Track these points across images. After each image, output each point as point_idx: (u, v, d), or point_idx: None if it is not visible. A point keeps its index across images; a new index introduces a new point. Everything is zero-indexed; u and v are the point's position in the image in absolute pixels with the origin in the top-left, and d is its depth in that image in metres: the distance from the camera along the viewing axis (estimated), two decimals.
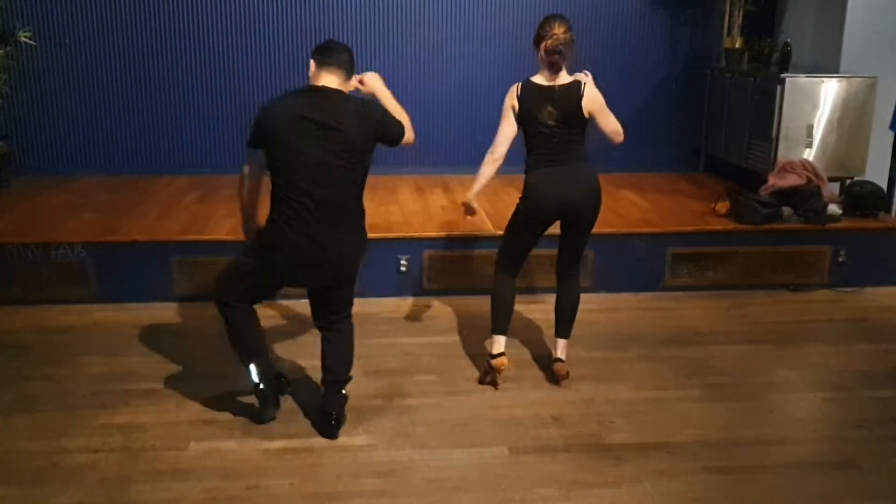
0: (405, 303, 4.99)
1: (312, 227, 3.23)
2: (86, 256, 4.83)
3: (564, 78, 3.64)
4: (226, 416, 3.59)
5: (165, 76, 6.51)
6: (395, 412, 3.64)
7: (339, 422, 3.45)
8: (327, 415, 3.44)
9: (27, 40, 6.02)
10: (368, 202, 5.95)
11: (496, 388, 3.86)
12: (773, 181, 5.46)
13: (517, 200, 3.81)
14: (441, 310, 4.89)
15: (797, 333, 4.65)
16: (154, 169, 6.59)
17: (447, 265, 5.07)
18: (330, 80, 3.30)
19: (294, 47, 6.54)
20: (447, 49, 6.68)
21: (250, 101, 6.58)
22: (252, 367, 3.46)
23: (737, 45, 6.42)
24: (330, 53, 3.34)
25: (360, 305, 4.87)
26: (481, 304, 4.92)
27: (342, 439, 3.41)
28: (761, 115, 5.80)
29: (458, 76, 6.69)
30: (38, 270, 4.81)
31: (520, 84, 3.71)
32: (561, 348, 3.95)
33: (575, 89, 3.62)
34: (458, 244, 5.06)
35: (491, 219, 5.35)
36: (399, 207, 5.69)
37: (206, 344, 4.33)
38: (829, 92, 5.57)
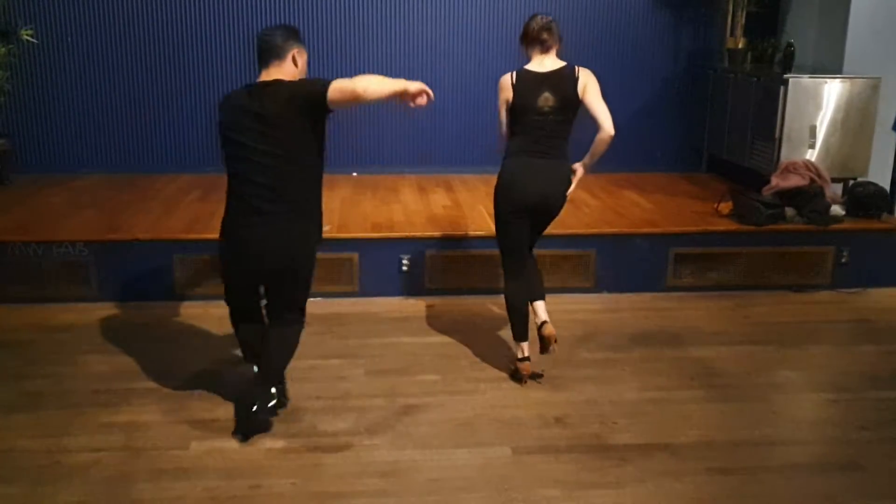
0: (407, 302, 4.98)
1: (249, 217, 3.25)
2: (88, 255, 4.82)
3: (557, 62, 3.72)
4: (228, 415, 3.56)
5: (168, 74, 6.51)
6: (397, 412, 3.63)
7: (255, 418, 3.33)
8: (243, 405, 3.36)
9: (29, 38, 6.01)
10: (370, 201, 5.99)
11: (522, 383, 3.90)
12: (776, 182, 5.44)
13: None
14: (443, 309, 4.88)
15: (800, 334, 4.64)
16: (156, 167, 6.58)
17: (449, 265, 5.06)
18: (268, 74, 3.29)
19: None
20: (448, 49, 6.67)
21: None
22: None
23: (740, 46, 6.41)
24: (260, 56, 3.32)
25: (362, 305, 4.90)
26: (483, 303, 4.93)
27: (344, 438, 3.40)
28: (764, 115, 5.79)
29: (460, 77, 6.67)
30: (40, 268, 4.81)
31: (514, 73, 3.75)
32: (542, 310, 3.92)
33: (569, 73, 3.69)
34: (460, 244, 5.05)
35: (493, 218, 5.33)
36: (401, 207, 5.68)
37: (209, 343, 4.33)
38: (832, 92, 5.56)
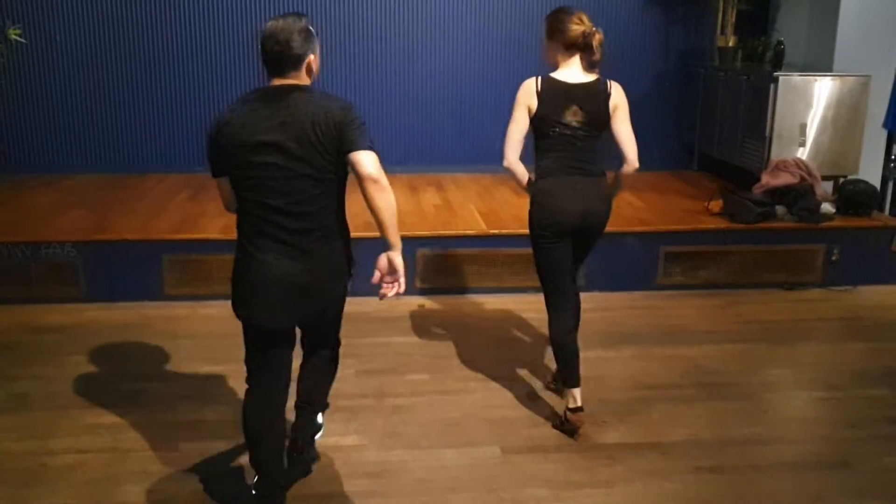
0: (397, 302, 4.95)
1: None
2: (76, 255, 4.79)
3: (589, 74, 3.35)
4: (215, 416, 3.56)
5: (156, 74, 6.47)
6: (386, 412, 3.62)
7: (306, 453, 3.06)
8: (292, 441, 3.05)
9: (17, 38, 5.97)
10: (360, 200, 5.96)
11: (574, 438, 3.43)
12: (767, 180, 5.45)
13: (526, 207, 3.46)
14: (433, 309, 4.87)
15: (790, 332, 4.64)
16: (145, 167, 6.55)
17: (439, 264, 5.04)
18: (282, 81, 2.78)
19: None
20: (439, 48, 6.65)
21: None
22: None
23: (730, 44, 6.42)
24: (268, 62, 2.79)
25: (352, 304, 4.84)
26: (474, 303, 4.93)
27: (333, 439, 3.38)
28: (755, 113, 5.79)
29: (451, 75, 6.66)
30: (28, 269, 4.78)
31: (539, 79, 3.32)
32: (577, 396, 3.44)
33: (602, 88, 3.34)
34: (451, 243, 5.04)
35: (484, 218, 5.33)
36: None
37: (197, 343, 4.31)
38: (822, 90, 5.56)
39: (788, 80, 5.55)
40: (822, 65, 5.88)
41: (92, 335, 4.41)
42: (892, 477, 3.19)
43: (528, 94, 3.31)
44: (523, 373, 4.01)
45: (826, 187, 5.66)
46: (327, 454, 3.27)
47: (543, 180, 3.39)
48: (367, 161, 2.68)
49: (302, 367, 3.09)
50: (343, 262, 2.94)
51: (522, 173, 3.44)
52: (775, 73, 5.58)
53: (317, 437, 3.16)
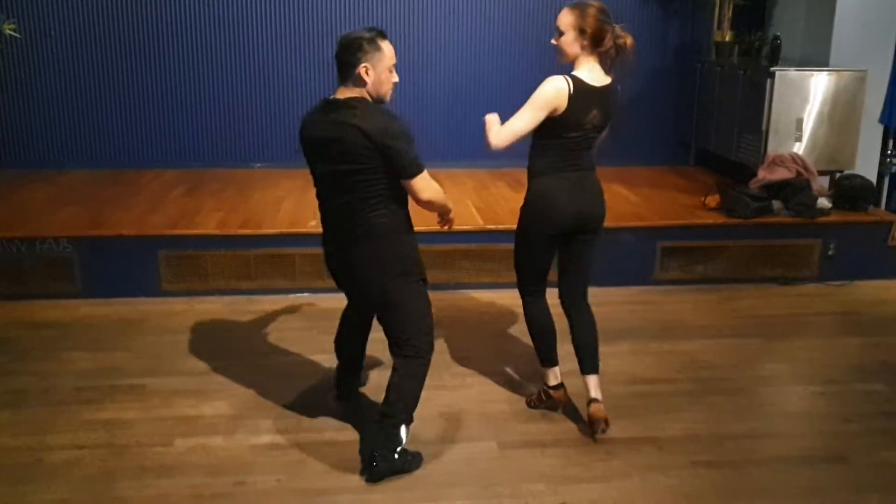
0: None
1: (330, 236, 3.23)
2: (71, 251, 4.78)
3: (606, 76, 3.25)
4: (212, 411, 3.55)
5: (152, 69, 6.45)
6: None
7: (375, 463, 3.04)
8: (366, 451, 3.16)
9: (12, 32, 5.95)
10: None
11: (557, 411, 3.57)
12: (763, 175, 5.45)
13: (519, 209, 3.41)
14: None
15: (787, 327, 4.65)
16: (141, 162, 6.53)
17: (435, 260, 5.03)
18: (342, 92, 3.08)
19: (282, 41, 6.49)
20: (435, 43, 6.63)
21: (238, 94, 6.56)
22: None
23: (727, 39, 6.41)
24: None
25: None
26: (470, 298, 4.92)
27: (330, 434, 3.38)
28: (751, 108, 5.78)
29: (447, 71, 6.65)
30: (23, 265, 4.76)
31: (569, 80, 3.15)
32: (594, 385, 3.43)
33: (616, 91, 3.28)
34: (443, 239, 5.02)
35: (480, 213, 5.32)
36: None
37: (193, 339, 4.30)
38: (818, 85, 5.56)
39: (785, 75, 5.55)
40: (819, 59, 5.88)
41: (88, 331, 4.41)
42: (888, 471, 3.20)
43: (559, 97, 3.12)
44: (520, 368, 4.01)
45: (822, 182, 5.66)
46: (324, 449, 3.27)
47: (539, 178, 3.30)
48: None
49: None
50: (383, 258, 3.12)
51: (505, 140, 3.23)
52: (772, 68, 5.58)
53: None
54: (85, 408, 3.57)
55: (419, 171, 3.03)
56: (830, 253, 5.29)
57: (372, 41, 3.04)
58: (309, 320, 4.56)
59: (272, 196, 5.72)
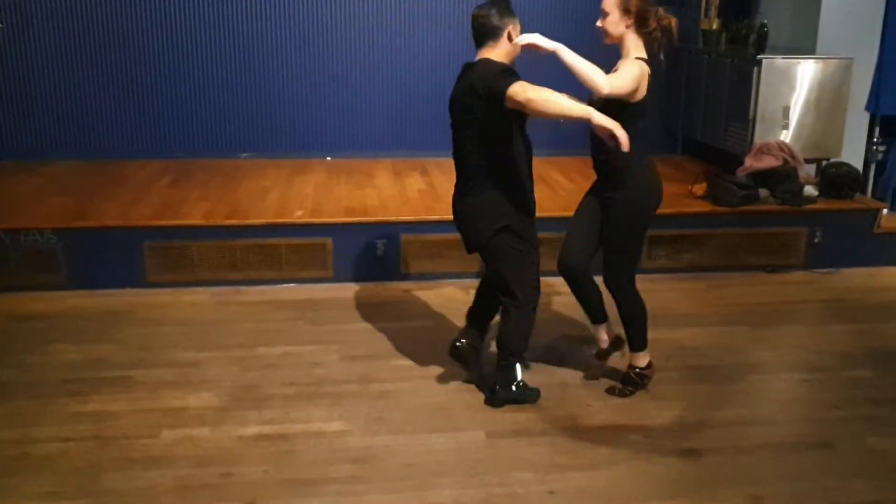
0: (382, 287, 4.95)
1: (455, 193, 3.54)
2: (56, 242, 4.74)
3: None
4: (199, 403, 3.54)
5: (137, 59, 6.39)
6: (371, 397, 3.61)
7: (493, 393, 3.53)
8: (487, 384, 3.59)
9: None
10: (344, 185, 5.95)
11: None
12: (750, 163, 5.46)
13: (623, 202, 3.44)
14: (418, 294, 4.85)
15: (774, 315, 4.66)
16: (126, 153, 6.47)
17: (424, 250, 5.03)
18: (480, 53, 3.35)
19: (266, 31, 6.44)
20: (421, 31, 6.60)
21: (223, 83, 6.50)
22: None
23: (714, 27, 6.40)
24: (474, 37, 3.36)
25: (337, 290, 4.87)
26: (458, 288, 4.92)
27: (317, 425, 3.37)
28: (738, 96, 5.79)
29: (435, 59, 6.61)
30: (7, 257, 4.72)
31: (645, 62, 3.26)
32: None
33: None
34: (436, 228, 5.01)
35: None
36: (376, 191, 5.63)
37: (180, 330, 4.28)
38: (805, 73, 5.57)
39: (772, 63, 5.55)
40: (806, 47, 5.88)
41: (74, 323, 4.38)
42: (874, 457, 3.22)
43: (645, 77, 3.25)
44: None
45: (809, 170, 5.68)
46: (312, 440, 3.27)
47: (641, 164, 3.42)
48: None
49: None
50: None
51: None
52: (759, 56, 5.58)
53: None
54: (71, 400, 3.55)
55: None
56: (817, 240, 5.31)
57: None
58: (296, 311, 4.55)
59: (258, 186, 5.69)
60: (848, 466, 3.15)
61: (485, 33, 3.28)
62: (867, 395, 3.71)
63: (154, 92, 6.46)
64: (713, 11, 6.42)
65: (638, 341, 3.64)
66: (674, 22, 3.29)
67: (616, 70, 3.25)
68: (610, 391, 3.66)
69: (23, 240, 4.71)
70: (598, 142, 3.31)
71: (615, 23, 3.28)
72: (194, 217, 4.93)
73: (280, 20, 6.44)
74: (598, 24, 3.33)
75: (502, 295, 3.49)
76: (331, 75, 6.59)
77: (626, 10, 3.24)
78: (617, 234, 3.48)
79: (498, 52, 3.28)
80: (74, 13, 6.27)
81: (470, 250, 3.55)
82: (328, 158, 6.63)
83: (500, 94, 3.09)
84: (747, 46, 6.17)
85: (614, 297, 3.60)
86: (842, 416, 3.53)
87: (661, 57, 3.35)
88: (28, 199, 5.29)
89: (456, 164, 3.45)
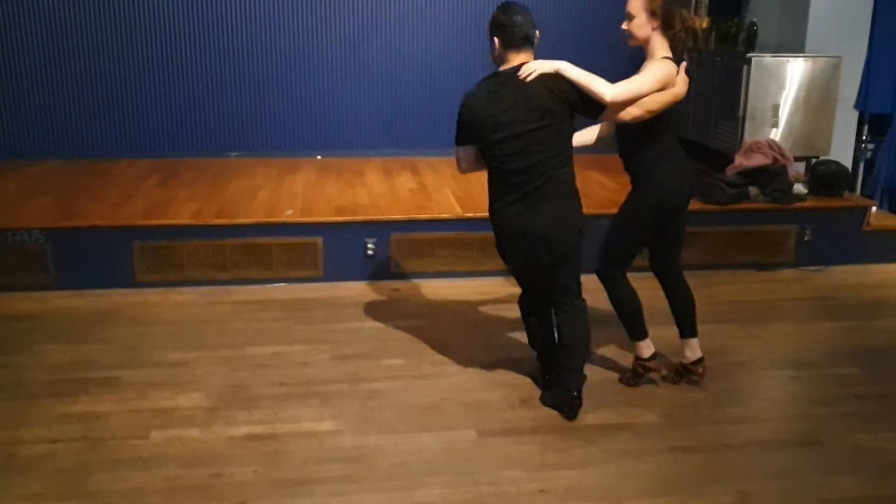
0: (372, 286, 4.94)
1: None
2: (44, 242, 4.71)
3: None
4: (188, 403, 3.52)
5: (124, 57, 6.36)
6: (361, 397, 3.60)
7: (578, 401, 3.43)
8: (567, 393, 3.44)
9: None
10: (334, 184, 5.94)
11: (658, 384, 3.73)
12: (740, 161, 5.47)
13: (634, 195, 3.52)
14: (408, 293, 4.85)
15: (763, 312, 4.68)
16: (114, 152, 6.44)
17: (415, 248, 5.02)
18: (518, 59, 3.27)
19: (257, 27, 6.42)
20: (414, 28, 6.59)
21: (211, 82, 6.48)
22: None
23: (704, 25, 6.40)
24: (515, 40, 3.25)
25: (327, 290, 4.86)
26: (449, 287, 4.91)
27: (308, 425, 3.36)
28: (728, 94, 5.80)
29: (426, 57, 6.61)
30: None
31: (673, 62, 3.32)
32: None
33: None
34: (426, 227, 5.01)
35: (459, 201, 5.31)
36: (366, 190, 5.62)
37: (168, 331, 4.26)
38: (794, 71, 5.59)
39: (761, 61, 5.57)
40: (795, 46, 5.90)
41: (61, 323, 4.35)
42: (861, 453, 3.23)
43: (672, 75, 3.28)
44: (498, 356, 4.00)
45: (798, 168, 5.70)
46: (302, 440, 3.26)
47: (670, 158, 3.49)
48: None
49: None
50: None
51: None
52: (748, 55, 5.60)
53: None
54: (58, 401, 3.53)
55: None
56: (806, 238, 5.33)
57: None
58: (286, 310, 4.54)
59: (248, 185, 5.67)
60: (835, 463, 3.17)
61: (528, 38, 3.22)
62: (855, 391, 3.73)
63: (142, 91, 6.43)
64: (703, 10, 6.42)
65: (628, 332, 3.71)
66: (697, 23, 3.34)
67: (641, 72, 3.30)
68: (621, 379, 3.78)
69: (10, 240, 4.68)
70: (622, 142, 3.47)
71: (642, 25, 3.30)
72: (183, 216, 4.91)
73: (270, 19, 6.43)
74: (624, 26, 3.36)
75: (561, 297, 3.44)
76: (321, 74, 6.57)
77: (652, 13, 3.26)
78: (619, 220, 3.58)
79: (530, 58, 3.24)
80: (60, 12, 6.23)
81: (546, 263, 3.37)
82: (318, 157, 6.62)
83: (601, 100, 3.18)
84: (737, 45, 6.19)
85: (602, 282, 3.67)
86: (830, 412, 3.54)
87: (685, 58, 3.36)
88: (15, 199, 5.26)
89: (513, 174, 3.25)
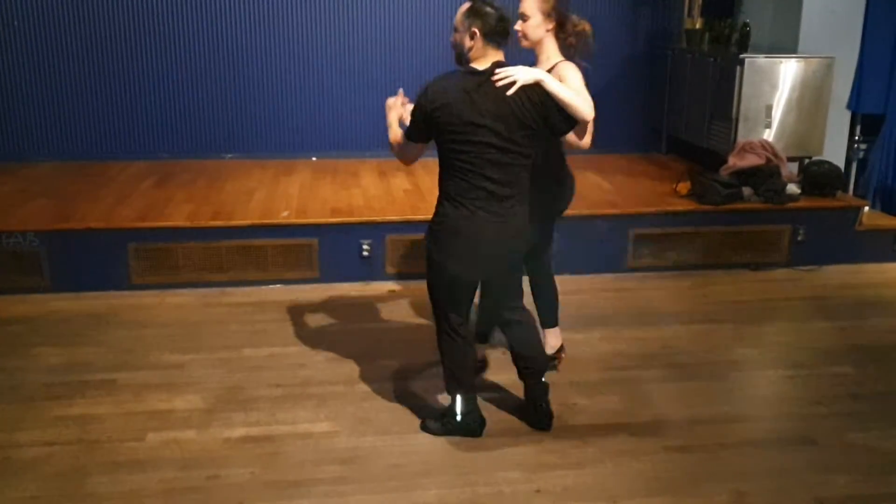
0: (368, 287, 4.95)
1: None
2: (39, 245, 4.70)
3: None
4: (184, 405, 3.53)
5: (120, 58, 6.35)
6: (357, 398, 3.61)
7: (549, 416, 3.38)
8: (539, 407, 3.38)
9: None
10: (329, 186, 5.94)
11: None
12: (733, 161, 5.49)
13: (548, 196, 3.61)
14: (404, 294, 4.86)
15: (757, 312, 4.70)
16: (109, 154, 6.43)
17: (410, 249, 5.03)
18: (497, 56, 3.04)
19: (250, 32, 6.41)
20: (405, 29, 6.59)
21: (206, 84, 6.48)
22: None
23: (697, 26, 6.44)
24: (504, 35, 3.03)
25: (323, 291, 4.86)
26: None
27: (304, 426, 3.37)
28: (721, 95, 5.82)
29: (420, 59, 6.60)
30: None
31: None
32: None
33: None
34: (421, 228, 4.97)
35: None
36: (361, 191, 5.63)
37: (164, 333, 4.26)
38: (787, 72, 5.61)
39: (754, 62, 5.59)
40: (788, 46, 5.93)
41: (57, 326, 4.35)
42: (856, 452, 3.25)
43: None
44: (493, 356, 4.01)
45: (791, 168, 5.72)
46: (298, 441, 3.26)
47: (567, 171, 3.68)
48: None
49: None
50: None
51: None
52: (741, 55, 5.62)
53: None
54: (55, 404, 3.53)
55: None
56: (800, 238, 5.35)
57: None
58: (282, 312, 4.54)
59: (244, 187, 5.67)
60: (830, 462, 3.18)
61: (508, 34, 2.99)
62: (849, 391, 3.75)
63: (137, 92, 6.42)
64: (696, 11, 6.46)
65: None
66: (587, 27, 3.29)
67: (563, 79, 3.12)
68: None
69: (5, 242, 4.68)
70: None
71: (537, 26, 3.28)
72: (179, 218, 4.91)
73: (264, 21, 6.42)
74: (517, 27, 3.29)
75: (513, 303, 3.33)
76: (315, 76, 6.57)
77: (547, 14, 3.26)
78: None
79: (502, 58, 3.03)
80: (56, 14, 6.21)
81: (503, 269, 3.25)
82: (313, 159, 6.62)
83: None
84: (730, 46, 6.21)
85: None
86: (824, 412, 3.56)
87: (584, 63, 3.29)
88: (10, 202, 5.25)
89: (483, 181, 2.99)
